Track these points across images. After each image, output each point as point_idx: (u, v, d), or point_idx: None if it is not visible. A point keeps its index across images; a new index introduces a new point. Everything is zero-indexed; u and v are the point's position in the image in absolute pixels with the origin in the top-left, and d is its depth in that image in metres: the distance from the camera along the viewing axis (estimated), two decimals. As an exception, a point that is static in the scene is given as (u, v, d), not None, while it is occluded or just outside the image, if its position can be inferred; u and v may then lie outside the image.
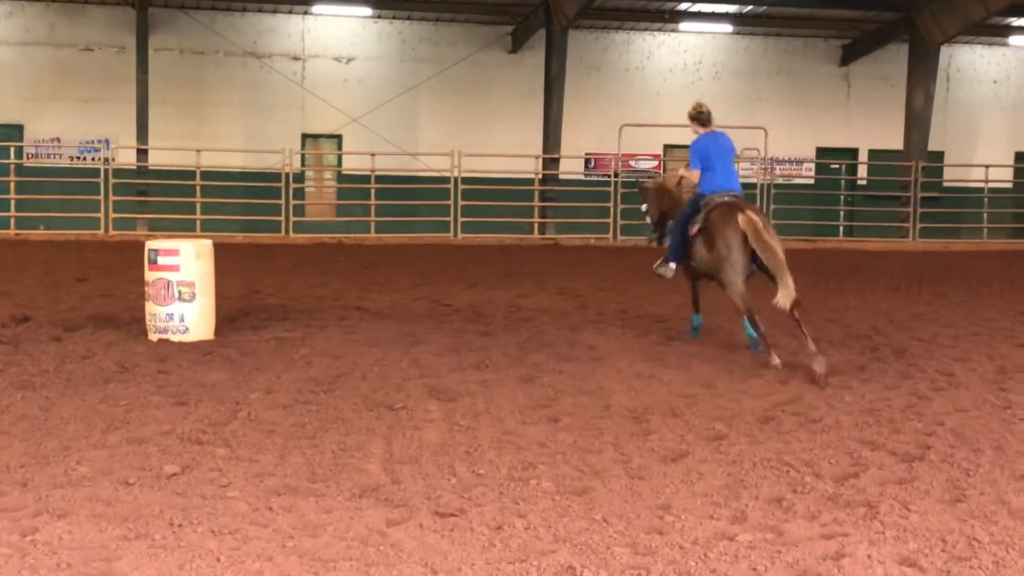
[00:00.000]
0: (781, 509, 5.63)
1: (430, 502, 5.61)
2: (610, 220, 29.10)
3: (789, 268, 9.48)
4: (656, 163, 32.29)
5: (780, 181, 31.43)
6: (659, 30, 32.90)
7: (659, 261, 10.99)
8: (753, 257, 9.81)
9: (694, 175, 10.67)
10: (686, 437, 7.09)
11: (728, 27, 32.84)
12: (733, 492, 5.89)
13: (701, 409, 7.90)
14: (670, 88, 32.97)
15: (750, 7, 31.63)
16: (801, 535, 5.23)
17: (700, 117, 10.92)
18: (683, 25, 32.49)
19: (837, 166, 33.61)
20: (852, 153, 33.83)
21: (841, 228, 32.24)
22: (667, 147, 32.45)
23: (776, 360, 9.59)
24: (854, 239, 30.63)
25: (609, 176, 30.00)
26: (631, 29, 32.80)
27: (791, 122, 32.64)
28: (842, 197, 33.51)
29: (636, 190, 13.20)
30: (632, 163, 31.67)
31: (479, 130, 31.04)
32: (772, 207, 29.56)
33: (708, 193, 10.44)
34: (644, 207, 12.42)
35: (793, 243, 28.30)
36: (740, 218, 9.80)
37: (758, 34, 33.46)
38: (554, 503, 5.66)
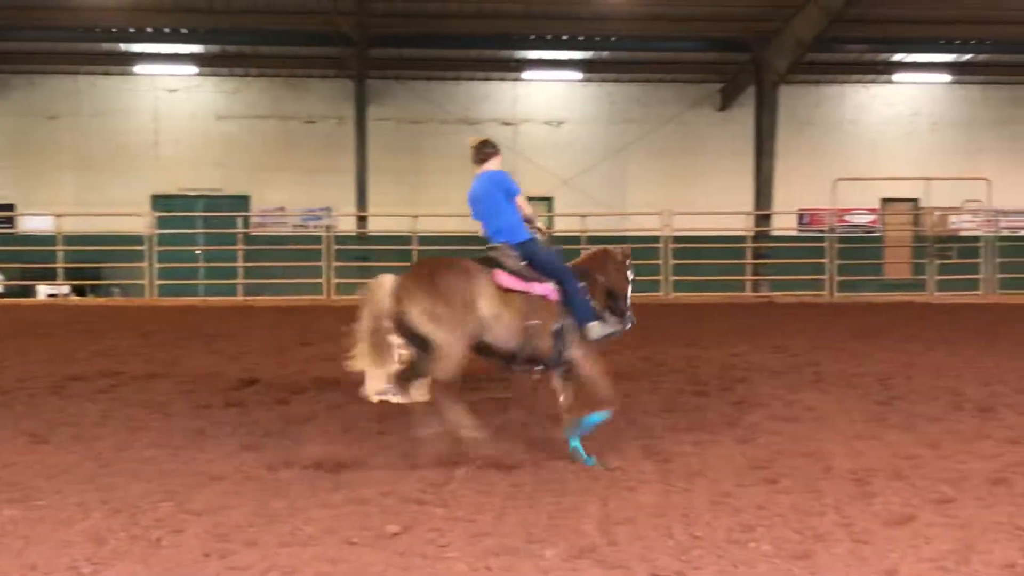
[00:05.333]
0: (1014, 575, 5.37)
1: (647, 564, 5.57)
2: (826, 277, 28.51)
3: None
4: (873, 217, 31.55)
5: (1005, 233, 30.21)
6: (872, 82, 32.28)
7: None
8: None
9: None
10: (911, 500, 6.83)
11: (946, 77, 31.99)
12: (963, 557, 5.64)
13: (927, 471, 7.62)
14: (886, 141, 32.28)
15: (968, 55, 30.77)
16: (1039, 605, 4.98)
17: (472, 156, 9.05)
18: (898, 76, 31.83)
19: (1067, 216, 32.13)
20: (1085, 202, 32.31)
21: (1074, 281, 30.73)
22: (884, 200, 31.67)
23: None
24: (1088, 292, 29.12)
25: (824, 232, 29.43)
26: (843, 82, 32.29)
27: (1016, 172, 31.38)
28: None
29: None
30: (848, 218, 31.00)
31: (689, 188, 30.97)
32: (998, 260, 28.49)
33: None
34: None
35: (1021, 297, 27.17)
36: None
37: (976, 83, 32.42)
38: (774, 567, 5.54)
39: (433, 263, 8.37)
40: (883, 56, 31.03)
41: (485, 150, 8.96)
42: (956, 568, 5.48)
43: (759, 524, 6.28)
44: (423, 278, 8.05)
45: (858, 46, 30.04)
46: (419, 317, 7.87)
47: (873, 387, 11.70)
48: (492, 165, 8.94)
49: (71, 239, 27.87)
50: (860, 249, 30.41)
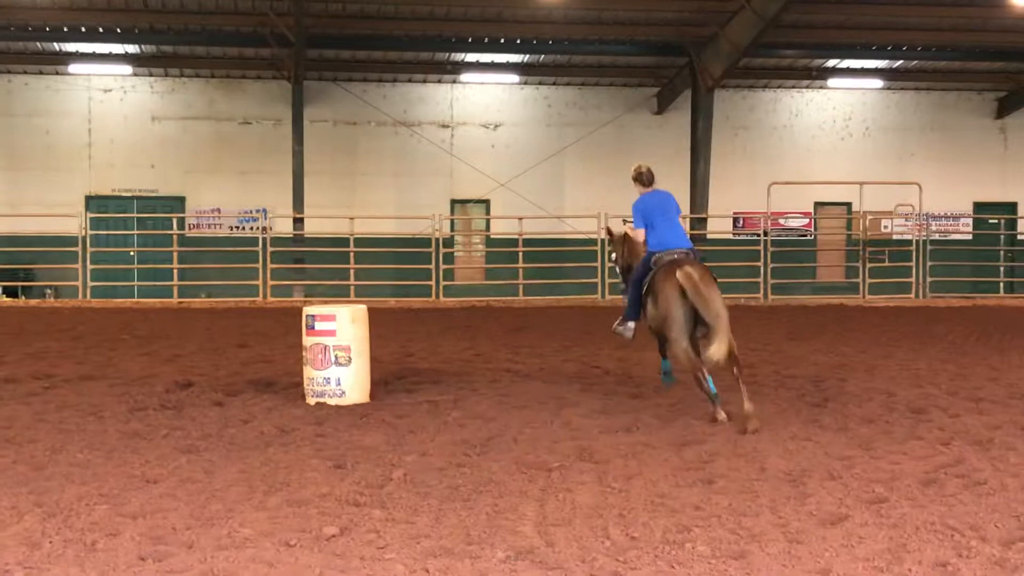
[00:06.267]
0: (946, 574, 5.47)
1: (585, 565, 5.59)
2: (760, 279, 28.79)
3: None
4: (807, 221, 31.95)
5: (936, 237, 30.73)
6: (807, 87, 32.70)
7: (618, 320, 11.29)
8: (697, 314, 9.96)
9: (639, 234, 11.15)
10: (845, 500, 6.93)
11: (878, 82, 32.46)
12: (896, 557, 5.73)
13: (860, 471, 7.72)
14: (819, 145, 32.71)
15: (900, 62, 31.25)
16: (968, 602, 5.06)
17: (640, 178, 11.33)
18: (832, 81, 32.24)
19: (996, 221, 32.75)
20: (1011, 207, 32.94)
21: (1002, 284, 31.30)
22: (818, 204, 32.08)
23: (722, 415, 9.77)
24: (1016, 295, 29.68)
25: (758, 235, 29.74)
26: (778, 87, 32.68)
27: (946, 177, 31.97)
28: (1002, 252, 32.62)
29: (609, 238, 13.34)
30: (782, 221, 31.37)
31: (625, 192, 30.82)
32: (929, 263, 28.93)
33: (656, 250, 10.70)
34: (613, 256, 12.85)
35: (951, 300, 27.64)
36: (678, 273, 9.93)
37: (909, 89, 32.97)
38: (710, 567, 5.59)
39: (697, 265, 10.11)
40: (817, 62, 31.42)
41: (652, 173, 11.32)
42: (889, 567, 5.56)
43: (695, 525, 6.34)
44: (709, 277, 9.98)
45: (792, 51, 30.39)
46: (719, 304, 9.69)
47: (807, 388, 11.85)
48: (657, 186, 11.18)
49: (2, 240, 27.50)
50: (794, 252, 30.80)
